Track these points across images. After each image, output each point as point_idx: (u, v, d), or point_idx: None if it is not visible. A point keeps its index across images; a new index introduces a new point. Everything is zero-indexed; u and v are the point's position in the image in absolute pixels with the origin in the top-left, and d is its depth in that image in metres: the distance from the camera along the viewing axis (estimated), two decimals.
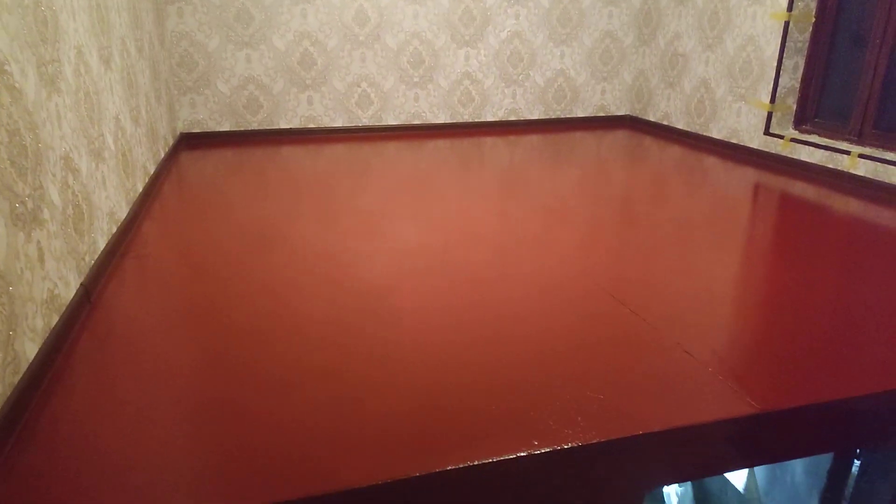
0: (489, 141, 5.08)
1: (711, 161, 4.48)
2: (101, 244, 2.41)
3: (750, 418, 1.59)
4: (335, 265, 2.60)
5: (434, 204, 3.51)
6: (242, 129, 4.79)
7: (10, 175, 1.64)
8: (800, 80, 4.17)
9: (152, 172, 3.45)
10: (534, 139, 5.18)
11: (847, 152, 3.76)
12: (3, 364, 1.52)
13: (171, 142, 4.22)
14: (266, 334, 2.00)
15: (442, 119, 5.23)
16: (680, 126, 5.06)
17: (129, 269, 2.51)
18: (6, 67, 1.67)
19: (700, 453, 1.63)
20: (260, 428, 1.52)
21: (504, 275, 2.49)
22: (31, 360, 1.66)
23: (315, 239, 2.92)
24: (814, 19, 4.04)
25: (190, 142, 4.67)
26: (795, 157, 4.09)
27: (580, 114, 5.59)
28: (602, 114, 5.63)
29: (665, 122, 5.23)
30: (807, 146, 4.02)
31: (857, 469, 2.04)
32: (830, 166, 3.86)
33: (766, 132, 4.29)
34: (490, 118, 5.37)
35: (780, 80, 4.16)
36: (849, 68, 3.93)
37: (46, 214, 1.85)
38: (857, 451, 2.06)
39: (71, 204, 2.08)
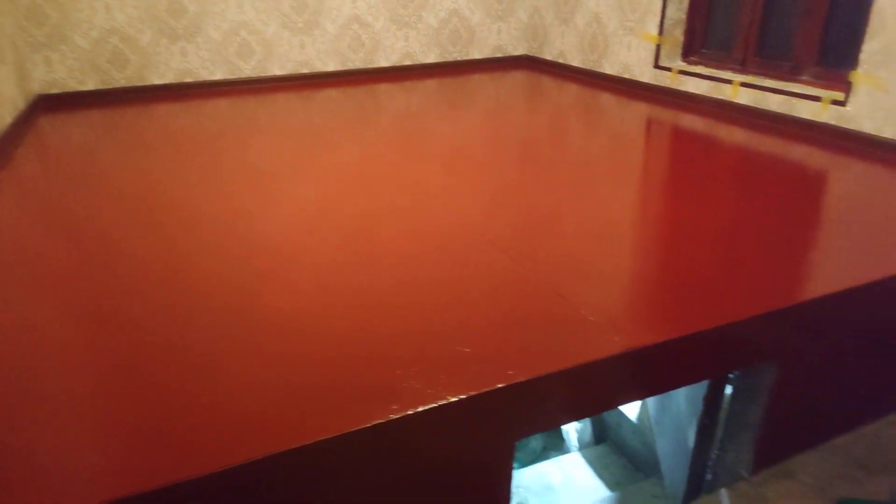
0: (384, 88, 4.87)
1: (606, 98, 4.45)
2: None
3: (618, 357, 1.55)
4: (223, 228, 2.40)
5: (331, 154, 3.31)
6: (109, 87, 4.37)
7: None
8: (686, 10, 4.15)
9: None
10: (430, 84, 5.00)
11: (730, 81, 3.80)
12: None
13: (21, 106, 3.79)
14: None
15: (332, 67, 4.95)
16: (575, 63, 5.00)
17: None
18: None
19: (570, 397, 1.59)
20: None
21: (389, 232, 2.37)
22: None
23: (202, 202, 2.69)
24: None
25: (49, 104, 4.23)
26: (683, 89, 4.11)
27: (477, 55, 5.43)
28: (500, 55, 5.49)
29: (561, 61, 5.15)
30: (694, 77, 4.04)
31: (730, 393, 2.08)
32: (716, 97, 3.90)
33: (656, 65, 4.28)
34: (384, 63, 5.13)
35: (666, 11, 4.13)
36: None
37: None
38: (730, 376, 2.10)
39: None
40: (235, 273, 2.01)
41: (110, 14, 4.22)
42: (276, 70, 4.78)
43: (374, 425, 1.33)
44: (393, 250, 2.18)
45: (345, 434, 1.31)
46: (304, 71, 4.87)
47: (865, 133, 3.16)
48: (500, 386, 1.42)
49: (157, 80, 4.48)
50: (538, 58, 5.43)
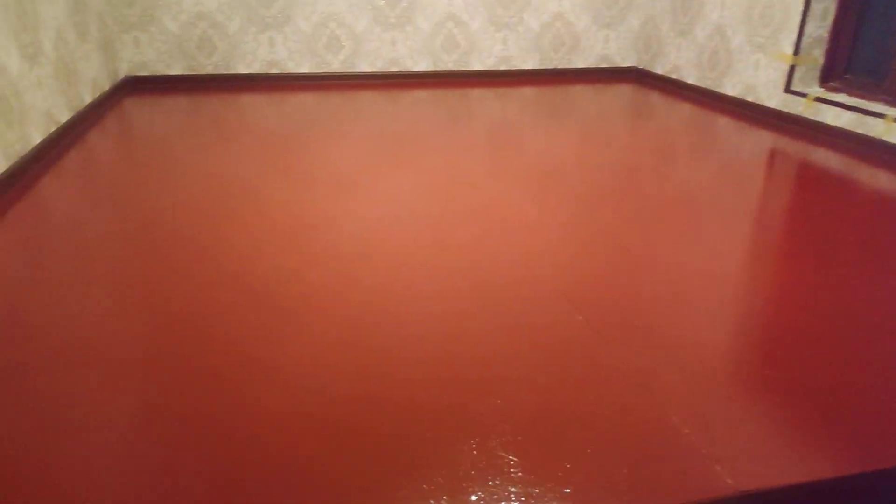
0: (476, 93, 4.54)
1: (724, 122, 3.92)
2: None
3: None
4: (305, 229, 2.26)
5: (412, 165, 3.04)
6: (196, 73, 4.27)
7: None
8: (829, 28, 3.57)
9: (64, 122, 2.99)
10: (527, 92, 4.62)
11: (882, 115, 3.20)
12: None
13: (106, 87, 3.73)
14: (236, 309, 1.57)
15: (423, 67, 4.67)
16: (691, 81, 4.48)
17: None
18: None
19: None
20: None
21: (473, 261, 2.06)
22: None
23: (284, 200, 2.53)
24: None
25: (136, 86, 4.18)
26: (819, 119, 3.53)
27: (580, 64, 4.99)
28: (605, 65, 5.04)
29: (674, 76, 4.64)
30: (833, 107, 3.46)
31: None
32: (860, 132, 3.31)
33: (787, 90, 3.71)
34: (478, 66, 4.80)
35: (806, 27, 3.56)
36: (888, 15, 3.32)
37: None
38: None
39: None
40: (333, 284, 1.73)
41: None
42: (365, 66, 4.55)
43: None
44: (427, 306, 1.84)
45: None
46: (394, 69, 4.62)
47: None
48: None
49: (244, 69, 4.35)
50: (648, 71, 4.93)
